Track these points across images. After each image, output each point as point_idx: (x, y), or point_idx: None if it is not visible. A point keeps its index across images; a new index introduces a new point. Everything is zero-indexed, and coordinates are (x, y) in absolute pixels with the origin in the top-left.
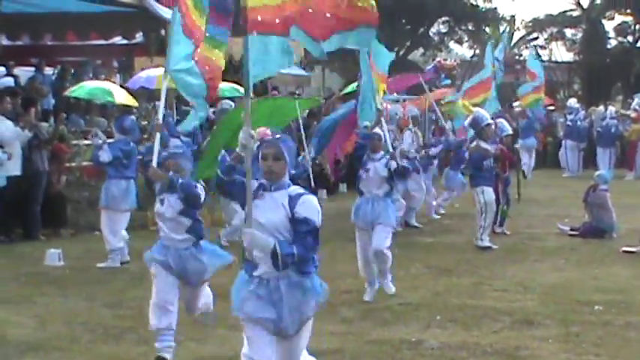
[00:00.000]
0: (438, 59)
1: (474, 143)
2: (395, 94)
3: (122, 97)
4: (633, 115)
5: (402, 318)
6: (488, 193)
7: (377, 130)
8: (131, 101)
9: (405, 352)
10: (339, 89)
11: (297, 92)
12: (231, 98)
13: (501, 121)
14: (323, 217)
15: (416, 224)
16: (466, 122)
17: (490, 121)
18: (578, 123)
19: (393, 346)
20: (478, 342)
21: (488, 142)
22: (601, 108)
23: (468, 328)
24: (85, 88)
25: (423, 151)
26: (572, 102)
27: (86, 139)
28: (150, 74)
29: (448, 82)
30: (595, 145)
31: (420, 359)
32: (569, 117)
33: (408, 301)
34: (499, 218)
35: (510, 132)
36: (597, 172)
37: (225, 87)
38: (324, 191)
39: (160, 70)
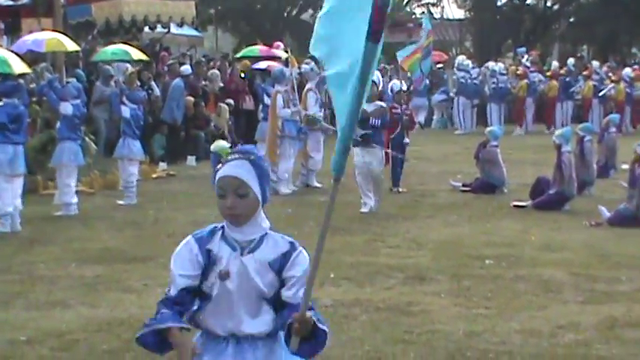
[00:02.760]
0: None
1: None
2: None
3: (19, 67)
4: (520, 71)
5: None
6: (355, 155)
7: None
8: (26, 68)
9: None
10: (232, 49)
11: (188, 53)
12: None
13: (394, 81)
14: None
15: (317, 184)
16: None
17: (374, 80)
18: (469, 81)
19: None
20: (371, 298)
21: (367, 102)
22: (492, 64)
23: (361, 285)
24: None
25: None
26: (462, 59)
27: None
28: (38, 37)
29: None
30: (486, 101)
31: None
32: (461, 74)
33: None
34: (393, 177)
35: (403, 88)
36: (488, 129)
37: (113, 49)
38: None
39: (49, 34)
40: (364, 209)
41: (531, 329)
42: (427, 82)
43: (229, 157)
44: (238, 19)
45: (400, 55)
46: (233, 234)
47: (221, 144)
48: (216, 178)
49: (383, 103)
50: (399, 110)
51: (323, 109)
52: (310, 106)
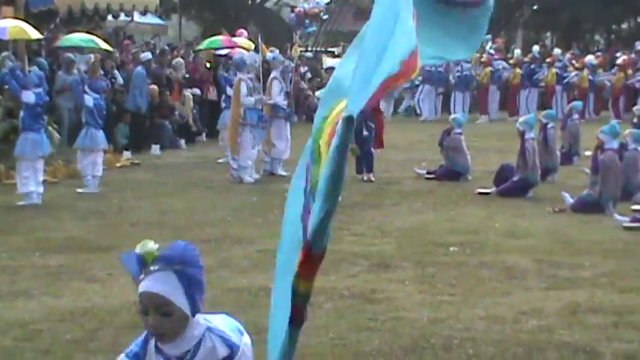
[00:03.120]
0: (299, 8)
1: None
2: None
3: None
4: (484, 59)
5: (261, 265)
6: None
7: None
8: None
9: (263, 299)
10: (196, 37)
11: (152, 41)
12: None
13: None
14: (183, 167)
15: (282, 173)
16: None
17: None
18: (433, 69)
19: (251, 293)
20: (335, 286)
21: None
22: None
23: (325, 273)
24: None
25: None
26: None
27: None
28: (0, 25)
29: (314, 29)
30: (451, 89)
31: None
32: None
33: (267, 248)
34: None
35: None
36: (452, 116)
37: (81, 36)
38: (183, 141)
39: (12, 21)
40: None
41: (495, 315)
42: None
43: (152, 268)
44: (202, 7)
45: None
46: (164, 347)
47: (148, 246)
48: (138, 289)
49: None
50: None
51: (287, 98)
52: (274, 95)
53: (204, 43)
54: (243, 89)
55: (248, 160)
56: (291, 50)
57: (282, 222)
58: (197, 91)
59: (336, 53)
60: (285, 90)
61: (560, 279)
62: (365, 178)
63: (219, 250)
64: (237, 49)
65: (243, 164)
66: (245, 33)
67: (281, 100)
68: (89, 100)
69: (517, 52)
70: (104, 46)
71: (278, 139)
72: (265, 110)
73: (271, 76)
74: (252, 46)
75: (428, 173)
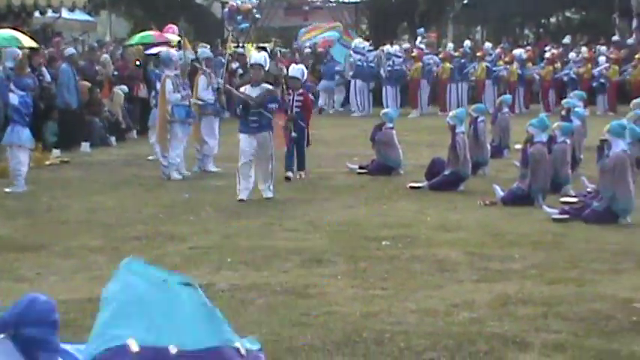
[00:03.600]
0: (231, 3)
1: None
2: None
3: None
4: (415, 53)
5: (193, 262)
6: (242, 140)
7: None
8: None
9: None
10: (127, 34)
11: (81, 38)
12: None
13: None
14: (113, 164)
15: (213, 169)
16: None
17: (259, 62)
18: (365, 64)
19: None
20: (268, 282)
21: (253, 86)
22: (388, 47)
23: (258, 269)
24: None
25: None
26: (359, 42)
27: None
28: None
29: (246, 25)
30: (382, 84)
31: (211, 301)
32: (357, 57)
33: (199, 245)
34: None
35: (296, 75)
36: (383, 111)
37: (2, 33)
38: (113, 138)
39: None
40: (243, 196)
41: (427, 308)
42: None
43: None
44: (132, 3)
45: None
46: None
47: None
48: None
49: (270, 86)
50: (291, 97)
51: (217, 94)
52: (201, 91)
53: (135, 39)
54: (169, 86)
55: (177, 157)
56: (222, 46)
57: None
58: (124, 88)
59: (267, 49)
60: (214, 86)
61: (490, 271)
62: (298, 176)
63: (151, 248)
64: (165, 48)
65: (173, 161)
66: (174, 28)
67: (207, 96)
68: (14, 98)
69: (450, 46)
70: (28, 43)
71: (208, 135)
72: (193, 107)
73: (199, 71)
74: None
75: (360, 168)
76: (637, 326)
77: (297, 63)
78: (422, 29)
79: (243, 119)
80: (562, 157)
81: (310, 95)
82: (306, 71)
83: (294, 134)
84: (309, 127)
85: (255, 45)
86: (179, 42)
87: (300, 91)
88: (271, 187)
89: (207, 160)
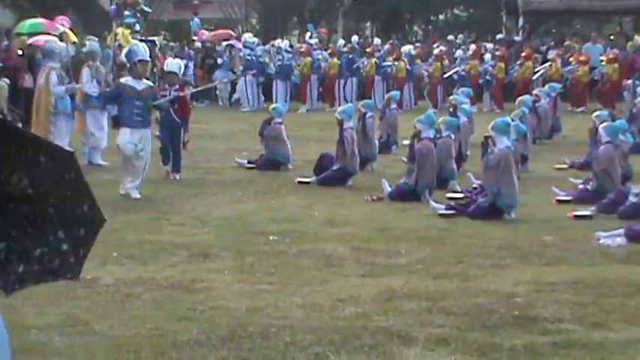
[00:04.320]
0: None
1: (123, 79)
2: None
3: None
4: (304, 48)
5: None
6: (123, 134)
7: None
8: None
9: (80, 291)
10: (12, 25)
11: None
12: None
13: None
14: None
15: (100, 162)
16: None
17: (146, 58)
18: (254, 58)
19: (67, 285)
20: (154, 277)
21: (137, 80)
22: (278, 42)
23: (144, 264)
24: None
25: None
26: (249, 37)
27: None
28: None
29: (133, 20)
30: (272, 79)
31: (96, 296)
32: (247, 52)
33: None
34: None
35: (173, 70)
36: (271, 106)
37: None
38: None
39: None
40: (126, 191)
41: (313, 303)
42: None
43: None
44: None
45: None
46: None
47: None
48: None
49: (151, 83)
50: (166, 92)
51: (100, 85)
52: (86, 83)
53: (24, 27)
54: (54, 78)
55: None
56: (110, 39)
57: None
58: (6, 80)
59: (156, 43)
60: (99, 79)
61: (377, 266)
62: (172, 178)
63: None
64: (47, 37)
65: None
66: (67, 19)
67: (92, 89)
68: None
69: (341, 42)
70: None
71: (95, 128)
72: (78, 99)
73: (85, 63)
74: (70, 33)
75: (249, 163)
76: (518, 320)
77: (188, 58)
78: (311, 25)
79: (127, 112)
80: (446, 151)
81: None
82: (183, 65)
83: (157, 133)
84: (188, 125)
85: (144, 38)
86: (61, 34)
87: (177, 86)
88: (138, 187)
89: (94, 152)
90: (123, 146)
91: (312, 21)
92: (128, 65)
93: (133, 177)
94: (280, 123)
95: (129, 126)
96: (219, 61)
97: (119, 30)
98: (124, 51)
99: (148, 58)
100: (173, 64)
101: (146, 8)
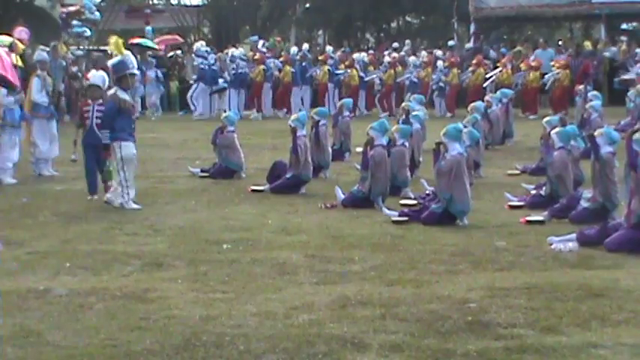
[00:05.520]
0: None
1: (112, 91)
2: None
3: None
4: (257, 57)
5: (30, 267)
6: (127, 147)
7: None
8: None
9: (32, 302)
10: None
11: None
12: None
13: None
14: None
15: (47, 173)
16: (110, 63)
17: (135, 71)
18: (207, 67)
19: (19, 295)
20: (107, 286)
21: (127, 92)
22: (233, 50)
23: (97, 274)
24: None
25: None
26: (201, 45)
27: None
28: None
29: (82, 29)
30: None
31: (48, 307)
32: (199, 60)
33: (37, 250)
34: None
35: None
36: (223, 115)
37: None
38: None
39: None
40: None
41: (267, 311)
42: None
43: None
44: None
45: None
46: None
47: None
48: None
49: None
50: (88, 108)
51: (50, 96)
52: (35, 93)
53: None
54: (3, 89)
55: (8, 162)
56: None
57: None
58: None
59: (108, 52)
60: (48, 89)
61: (330, 273)
62: (91, 198)
63: None
64: None
65: (3, 165)
66: (26, 31)
67: (41, 99)
68: None
69: (293, 49)
70: None
71: (40, 138)
72: (26, 109)
73: (36, 73)
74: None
75: (202, 171)
76: (472, 326)
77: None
78: (255, 37)
79: (127, 125)
80: (401, 160)
81: None
82: (107, 79)
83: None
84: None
85: (96, 48)
86: (11, 44)
87: (100, 101)
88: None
89: (40, 163)
90: (130, 159)
91: (265, 29)
92: (115, 76)
93: (134, 189)
94: (233, 131)
95: (129, 139)
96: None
97: (113, 39)
98: (113, 61)
99: (137, 71)
100: (97, 76)
101: (91, 16)
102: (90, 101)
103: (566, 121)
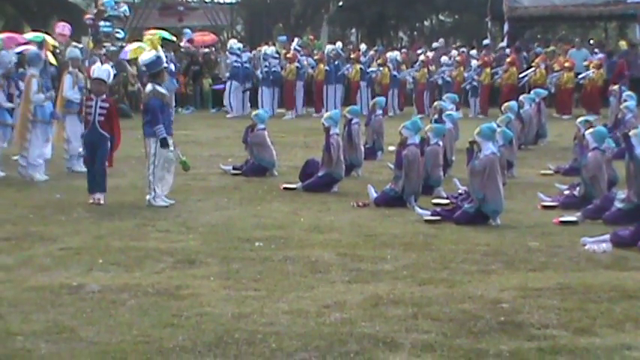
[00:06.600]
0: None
1: (150, 88)
2: None
3: None
4: (290, 55)
5: (63, 263)
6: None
7: None
8: None
9: (65, 297)
10: None
11: None
12: None
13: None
14: None
15: (79, 169)
16: (141, 60)
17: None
18: (240, 65)
19: (52, 291)
20: (140, 283)
21: (163, 86)
22: (265, 48)
23: (130, 270)
24: None
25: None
26: (234, 43)
27: None
28: None
29: (109, 29)
30: (258, 85)
31: (81, 303)
32: (233, 58)
33: (70, 246)
34: None
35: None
36: (253, 112)
37: None
38: None
39: None
40: (164, 201)
41: (299, 309)
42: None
43: None
44: (3, 0)
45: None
46: None
47: None
48: None
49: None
50: (91, 103)
51: (82, 93)
52: (67, 90)
53: None
54: (34, 86)
55: (39, 158)
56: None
57: None
58: None
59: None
60: (80, 85)
61: (362, 272)
62: (92, 200)
63: (20, 249)
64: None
65: (34, 162)
66: (68, 27)
67: (73, 95)
68: None
69: (328, 47)
70: None
71: (73, 135)
72: (58, 106)
73: (67, 70)
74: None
75: (234, 169)
76: (504, 326)
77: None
78: (284, 37)
79: (167, 120)
80: (434, 159)
81: None
82: (112, 73)
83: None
84: (118, 140)
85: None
86: (41, 41)
87: (104, 96)
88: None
89: (73, 160)
90: (166, 155)
91: (298, 27)
92: (148, 72)
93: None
94: (263, 129)
95: (169, 133)
96: None
97: (148, 36)
98: (149, 57)
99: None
100: (101, 70)
101: (114, 12)
102: (93, 96)
103: (591, 124)
